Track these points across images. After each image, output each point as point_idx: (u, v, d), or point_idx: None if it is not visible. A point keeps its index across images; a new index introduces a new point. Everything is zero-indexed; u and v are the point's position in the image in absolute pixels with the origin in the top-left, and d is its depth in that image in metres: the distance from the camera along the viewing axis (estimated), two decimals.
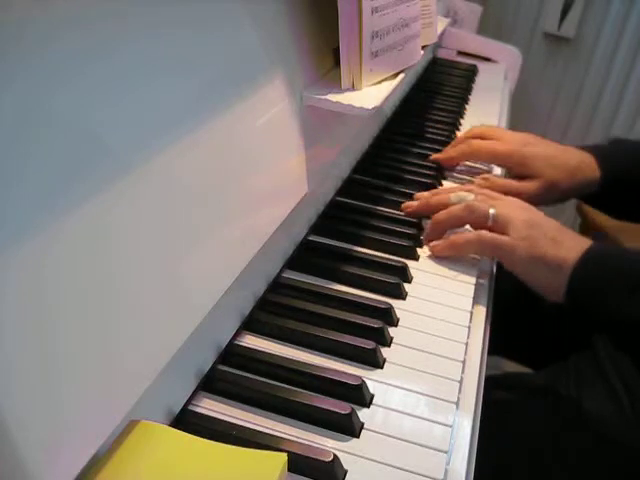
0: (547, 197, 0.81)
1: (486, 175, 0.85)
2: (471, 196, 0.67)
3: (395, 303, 0.56)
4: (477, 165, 0.90)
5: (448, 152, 0.87)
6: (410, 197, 0.75)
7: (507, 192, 0.78)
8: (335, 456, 0.39)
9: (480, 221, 0.64)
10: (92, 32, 0.33)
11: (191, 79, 0.40)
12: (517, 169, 0.82)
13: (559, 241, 0.61)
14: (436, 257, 0.65)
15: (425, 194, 0.73)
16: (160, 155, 0.35)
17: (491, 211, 0.64)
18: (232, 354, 0.47)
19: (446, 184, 0.85)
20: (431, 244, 0.66)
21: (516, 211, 0.64)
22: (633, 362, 0.65)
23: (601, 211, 0.91)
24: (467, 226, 0.67)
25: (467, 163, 0.90)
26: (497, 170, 0.91)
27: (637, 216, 0.89)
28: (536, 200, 0.79)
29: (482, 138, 0.85)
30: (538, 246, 0.61)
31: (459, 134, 0.97)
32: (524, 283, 0.63)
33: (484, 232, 0.63)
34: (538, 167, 0.80)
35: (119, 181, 0.32)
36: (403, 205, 0.73)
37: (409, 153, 0.90)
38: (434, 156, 0.88)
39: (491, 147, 0.83)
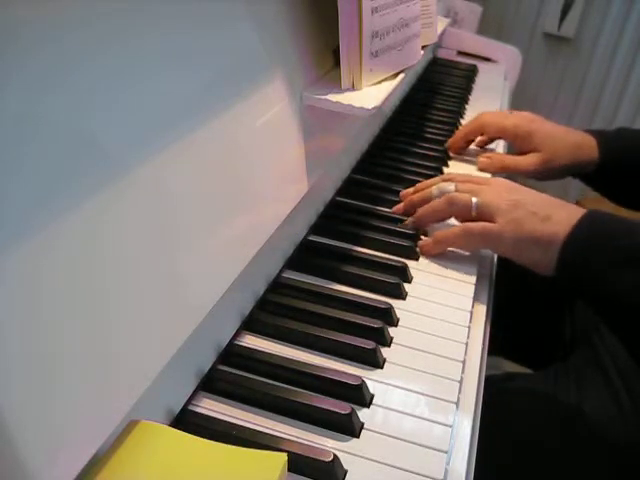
0: (546, 172, 0.84)
1: (488, 153, 0.89)
2: (452, 186, 0.66)
3: (395, 303, 0.56)
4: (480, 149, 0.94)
5: (458, 133, 0.92)
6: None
7: (508, 166, 0.84)
8: (335, 456, 0.39)
9: (464, 212, 0.64)
10: (90, 31, 0.33)
11: (191, 79, 0.40)
12: (520, 143, 0.86)
13: (547, 216, 0.60)
14: (431, 256, 0.65)
15: (409, 191, 0.73)
16: (160, 154, 0.35)
17: (474, 200, 0.63)
18: (232, 354, 0.47)
19: (449, 172, 0.86)
20: (419, 244, 0.66)
21: (501, 194, 0.63)
22: (620, 339, 0.64)
23: (597, 192, 0.93)
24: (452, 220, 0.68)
25: (472, 147, 0.94)
26: (500, 149, 0.95)
27: (630, 201, 0.91)
28: (535, 174, 0.84)
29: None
30: (525, 226, 0.60)
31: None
32: (523, 267, 0.63)
33: (470, 224, 0.63)
34: (540, 142, 0.84)
35: (118, 181, 0.32)
36: (394, 208, 0.72)
37: (409, 153, 0.90)
38: (448, 143, 0.92)
39: (499, 120, 0.88)
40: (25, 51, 0.29)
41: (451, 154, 0.92)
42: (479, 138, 0.94)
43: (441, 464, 0.41)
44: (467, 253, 0.66)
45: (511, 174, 0.86)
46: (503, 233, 0.61)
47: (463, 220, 0.65)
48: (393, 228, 0.68)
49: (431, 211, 0.67)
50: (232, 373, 0.45)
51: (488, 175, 0.85)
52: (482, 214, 0.63)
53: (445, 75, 1.32)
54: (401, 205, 0.72)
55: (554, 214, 0.60)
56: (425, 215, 0.67)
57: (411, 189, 0.73)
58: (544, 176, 0.85)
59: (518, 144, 0.87)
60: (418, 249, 0.66)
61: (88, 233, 0.29)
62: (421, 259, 0.65)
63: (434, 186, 0.68)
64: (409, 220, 0.69)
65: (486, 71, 1.41)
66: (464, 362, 0.51)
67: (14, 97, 0.27)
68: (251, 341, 0.49)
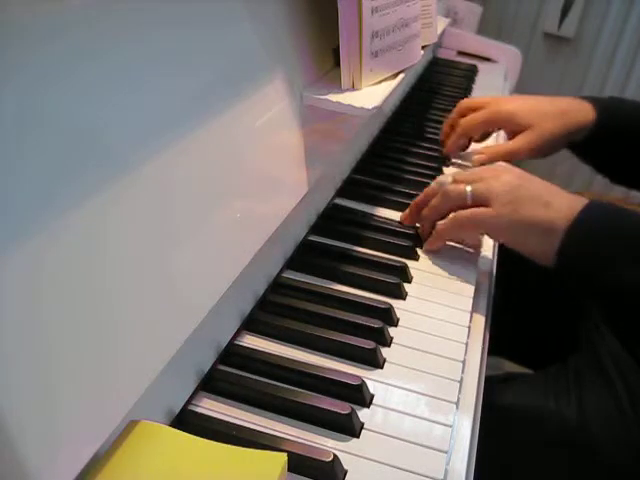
0: (543, 146, 0.80)
1: (481, 148, 0.86)
2: (450, 177, 0.65)
3: (395, 303, 0.56)
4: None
5: (448, 143, 0.89)
6: (410, 197, 0.74)
7: (504, 153, 0.80)
8: (335, 456, 0.39)
9: (460, 203, 0.62)
10: (90, 31, 0.33)
11: (190, 79, 0.40)
12: (508, 126, 0.83)
13: (548, 202, 0.58)
14: (434, 254, 0.65)
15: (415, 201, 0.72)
16: (160, 154, 0.35)
17: (467, 189, 0.61)
18: (232, 354, 0.47)
19: (449, 172, 0.85)
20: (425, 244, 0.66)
21: (499, 178, 0.61)
22: (618, 336, 0.62)
23: (587, 163, 0.90)
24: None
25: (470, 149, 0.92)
26: (500, 139, 0.93)
27: (621, 174, 0.88)
28: (534, 152, 0.80)
29: (465, 114, 0.88)
30: (523, 209, 0.58)
31: None
32: (519, 252, 0.61)
33: (459, 211, 0.62)
34: (527, 118, 0.81)
35: (117, 181, 0.32)
36: (401, 217, 0.71)
37: (409, 153, 0.90)
38: (445, 152, 0.90)
39: (478, 116, 0.85)
40: (26, 50, 0.29)
41: (447, 152, 0.90)
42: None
43: (441, 464, 0.41)
44: (467, 253, 0.66)
45: (513, 160, 0.82)
46: (498, 216, 0.59)
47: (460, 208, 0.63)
48: (393, 228, 0.68)
49: (430, 209, 0.66)
50: (232, 373, 0.45)
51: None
52: (478, 201, 0.61)
53: (445, 75, 1.32)
54: (407, 212, 0.70)
55: (555, 201, 0.58)
56: (427, 215, 0.67)
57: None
58: (543, 152, 0.82)
59: (506, 129, 0.85)
60: (423, 248, 0.66)
61: (89, 233, 0.29)
62: (421, 259, 0.65)
63: (434, 181, 0.68)
64: (419, 226, 0.69)
65: (486, 71, 1.41)
66: (464, 362, 0.51)
67: (15, 96, 0.27)
68: (251, 341, 0.49)
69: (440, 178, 0.67)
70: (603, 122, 0.81)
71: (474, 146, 0.92)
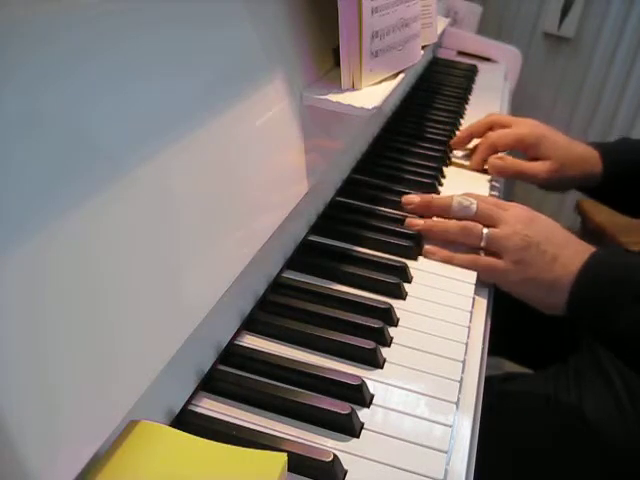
0: (556, 181, 0.83)
1: (500, 155, 0.86)
2: (473, 205, 0.66)
3: (395, 303, 0.56)
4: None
5: (475, 158, 0.88)
6: None
7: (522, 171, 0.82)
8: (335, 456, 0.39)
9: (473, 242, 0.64)
10: (90, 31, 0.33)
11: (190, 79, 0.40)
12: (531, 150, 0.84)
13: (555, 256, 0.60)
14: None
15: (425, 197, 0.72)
16: (160, 155, 0.35)
17: (484, 231, 0.64)
18: (232, 354, 0.47)
19: (449, 172, 0.86)
20: (427, 248, 0.66)
21: (515, 227, 0.63)
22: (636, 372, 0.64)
23: (600, 202, 0.93)
24: None
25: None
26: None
27: (634, 210, 0.91)
28: (546, 182, 0.82)
29: (491, 128, 0.88)
30: (532, 269, 0.60)
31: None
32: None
33: (478, 257, 0.64)
34: (551, 149, 0.83)
35: (117, 181, 0.32)
36: (404, 199, 0.72)
37: (409, 153, 0.90)
38: (472, 166, 0.89)
39: (510, 133, 0.86)
40: (25, 51, 0.29)
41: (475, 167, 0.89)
42: None
43: (441, 464, 0.41)
44: None
45: (523, 180, 0.84)
46: (508, 272, 0.61)
47: (471, 246, 0.65)
48: (393, 228, 0.68)
49: (443, 231, 0.66)
50: (232, 373, 0.45)
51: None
52: (490, 246, 0.63)
53: (445, 75, 1.32)
54: (417, 199, 0.71)
55: (562, 254, 0.61)
56: (436, 232, 0.67)
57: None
58: (553, 186, 0.84)
59: (528, 152, 0.85)
60: (424, 250, 0.66)
61: (89, 233, 0.29)
62: (421, 259, 0.65)
63: (455, 198, 0.68)
64: (417, 225, 0.68)
65: (486, 71, 1.41)
66: (464, 362, 0.51)
67: (15, 96, 0.27)
68: (251, 341, 0.49)
69: (463, 200, 0.67)
70: (610, 171, 0.84)
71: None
